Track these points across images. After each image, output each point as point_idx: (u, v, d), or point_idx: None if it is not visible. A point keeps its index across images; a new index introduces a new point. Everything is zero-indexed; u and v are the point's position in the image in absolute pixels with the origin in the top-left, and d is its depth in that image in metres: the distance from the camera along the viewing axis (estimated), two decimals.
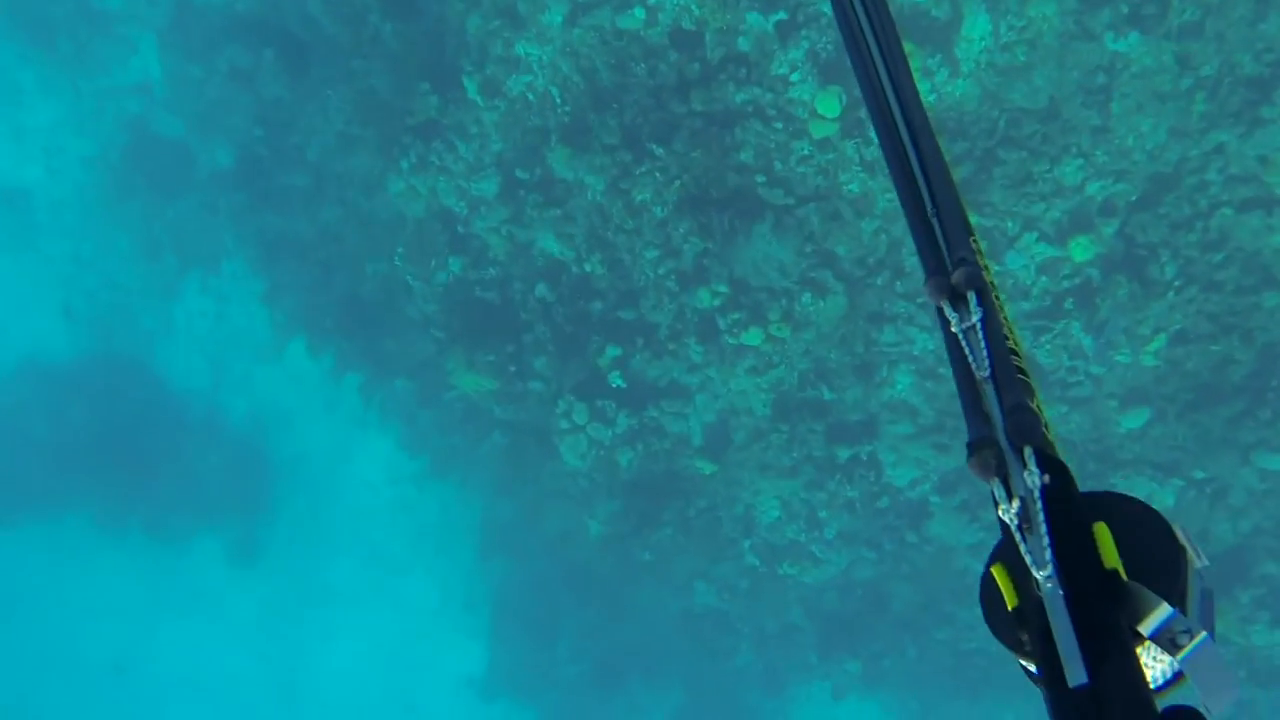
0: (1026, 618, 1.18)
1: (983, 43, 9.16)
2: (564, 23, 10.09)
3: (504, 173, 10.85)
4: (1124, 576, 1.17)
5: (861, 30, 1.70)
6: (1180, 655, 1.13)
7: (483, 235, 11.12)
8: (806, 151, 9.71)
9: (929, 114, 1.61)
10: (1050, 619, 1.13)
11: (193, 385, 15.99)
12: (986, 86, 9.31)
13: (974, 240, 1.48)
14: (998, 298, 1.41)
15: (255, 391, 15.67)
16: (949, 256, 1.46)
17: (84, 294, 16.59)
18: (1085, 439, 10.07)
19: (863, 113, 9.43)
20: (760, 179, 9.79)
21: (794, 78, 9.48)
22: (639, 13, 9.71)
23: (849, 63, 1.74)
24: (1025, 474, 1.21)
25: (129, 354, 16.19)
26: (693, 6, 9.51)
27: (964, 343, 1.36)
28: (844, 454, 10.81)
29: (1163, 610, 1.15)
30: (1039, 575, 1.15)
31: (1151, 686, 1.18)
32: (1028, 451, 1.23)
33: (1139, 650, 1.16)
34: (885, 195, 9.59)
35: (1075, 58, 8.98)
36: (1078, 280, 9.51)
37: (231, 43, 13.59)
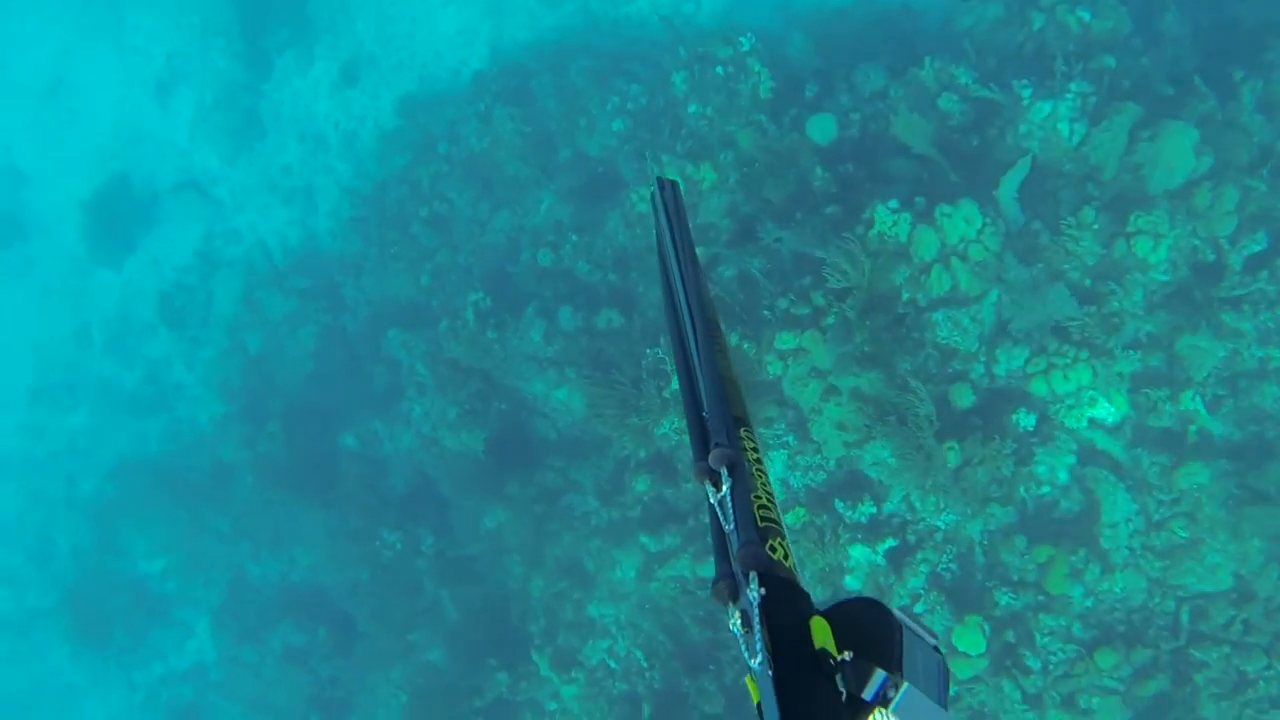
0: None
1: (1130, 525, 7.63)
2: (638, 576, 8.84)
3: None
4: (835, 655, 1.52)
5: (671, 259, 2.17)
6: (891, 706, 1.43)
7: None
8: (952, 692, 7.91)
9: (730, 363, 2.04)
10: (760, 695, 1.41)
11: None
12: (1149, 575, 7.65)
13: (745, 431, 1.87)
14: (762, 469, 1.83)
15: None
16: (710, 444, 1.78)
17: None
18: None
19: (1011, 635, 7.80)
20: None
21: (918, 609, 7.94)
22: None
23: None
24: (748, 590, 1.55)
25: None
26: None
27: (718, 509, 1.75)
28: None
29: (876, 676, 1.48)
30: (753, 664, 1.44)
31: None
32: (752, 575, 1.59)
33: (871, 716, 1.45)
34: None
35: (1253, 524, 7.35)
36: None
37: (284, 620, 12.62)
